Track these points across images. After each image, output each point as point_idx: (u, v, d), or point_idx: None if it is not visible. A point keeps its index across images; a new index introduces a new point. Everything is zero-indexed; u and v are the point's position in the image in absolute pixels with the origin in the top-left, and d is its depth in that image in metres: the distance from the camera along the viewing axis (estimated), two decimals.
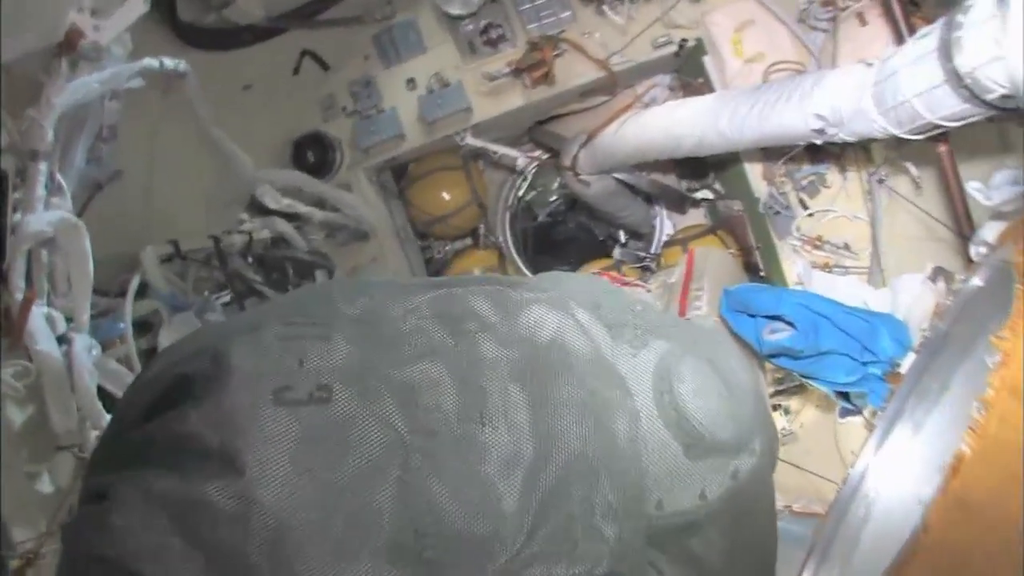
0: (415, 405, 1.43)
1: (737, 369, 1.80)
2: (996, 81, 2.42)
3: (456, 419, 1.45)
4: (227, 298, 4.61)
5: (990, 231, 2.92)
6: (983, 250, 2.87)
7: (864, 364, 3.37)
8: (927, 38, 2.75)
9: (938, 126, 2.91)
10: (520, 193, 6.79)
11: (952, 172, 3.42)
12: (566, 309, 1.66)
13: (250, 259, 4.94)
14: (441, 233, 6.51)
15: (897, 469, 2.97)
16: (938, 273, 3.38)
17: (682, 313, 4.32)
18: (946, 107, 2.73)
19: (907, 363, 3.20)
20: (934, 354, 2.95)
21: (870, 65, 3.18)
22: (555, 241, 7.03)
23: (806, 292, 3.60)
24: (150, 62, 3.64)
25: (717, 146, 4.21)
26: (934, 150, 3.50)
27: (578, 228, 7.01)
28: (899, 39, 3.48)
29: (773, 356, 3.51)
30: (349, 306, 1.54)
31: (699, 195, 6.08)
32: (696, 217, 6.37)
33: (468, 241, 6.69)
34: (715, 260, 4.70)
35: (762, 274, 5.29)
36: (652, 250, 6.42)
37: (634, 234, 6.72)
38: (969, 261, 3.20)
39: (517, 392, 1.50)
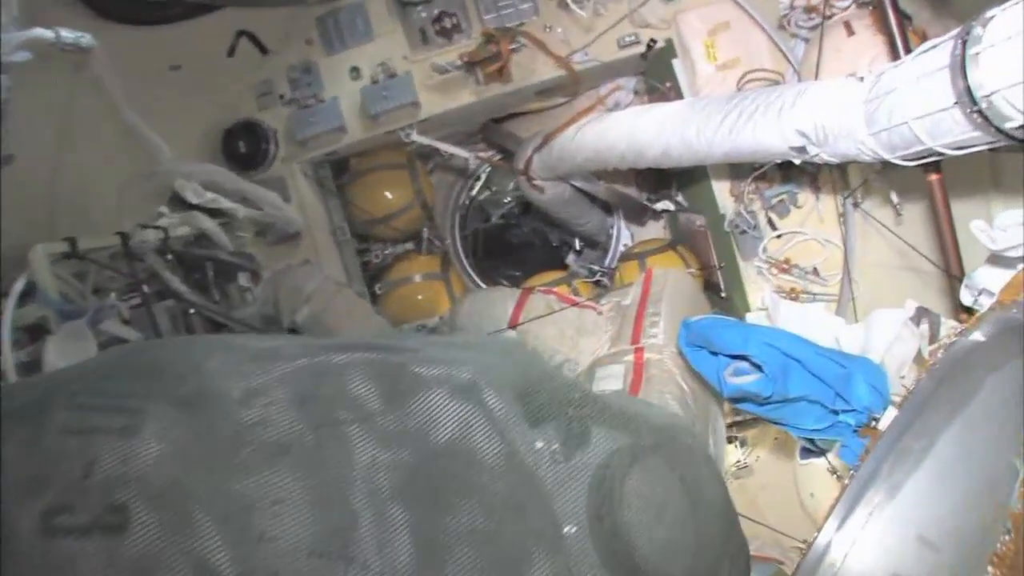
0: (249, 535, 0.99)
1: (705, 476, 1.38)
2: (1019, 108, 2.05)
3: (307, 554, 1.01)
4: (137, 301, 4.15)
5: (988, 277, 2.55)
6: (983, 299, 2.51)
7: (835, 412, 3.04)
8: (933, 53, 2.36)
9: (936, 153, 2.55)
10: (473, 193, 6.47)
11: (943, 204, 3.06)
12: (476, 395, 1.18)
13: (169, 257, 4.48)
14: (381, 235, 6.10)
15: (868, 536, 2.66)
16: (922, 315, 3.00)
17: (635, 340, 3.96)
18: (951, 133, 2.35)
19: (887, 418, 2.84)
20: (918, 411, 2.60)
21: (861, 79, 2.81)
22: (507, 245, 6.76)
23: (776, 330, 3.22)
24: (42, 33, 3.16)
25: (683, 158, 3.84)
26: (920, 177, 3.16)
27: (532, 233, 6.75)
28: (893, 53, 3.13)
29: (736, 400, 3.15)
30: (177, 380, 1.09)
31: (660, 206, 5.76)
32: (656, 230, 6.05)
33: (410, 245, 6.29)
34: (674, 282, 4.35)
35: (723, 295, 4.98)
36: (607, 263, 6.08)
37: (590, 242, 6.41)
38: (958, 304, 2.86)
39: (399, 515, 1.05)
